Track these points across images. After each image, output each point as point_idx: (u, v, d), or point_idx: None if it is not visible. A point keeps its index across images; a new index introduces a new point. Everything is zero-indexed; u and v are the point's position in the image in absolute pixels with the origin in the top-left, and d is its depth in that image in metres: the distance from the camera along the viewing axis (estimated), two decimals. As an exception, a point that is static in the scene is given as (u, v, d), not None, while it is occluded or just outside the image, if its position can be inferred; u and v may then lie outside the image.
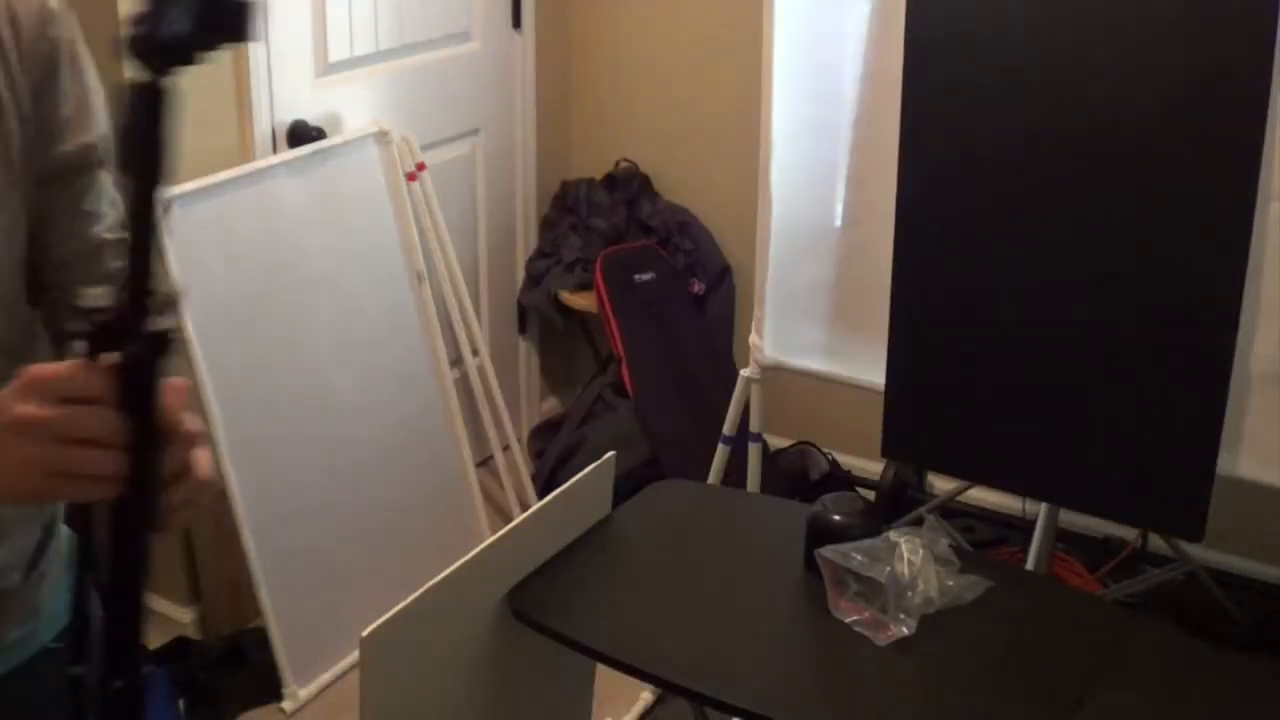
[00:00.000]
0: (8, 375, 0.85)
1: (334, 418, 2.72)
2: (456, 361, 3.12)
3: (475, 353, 3.16)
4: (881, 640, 1.61)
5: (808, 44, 2.52)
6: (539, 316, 3.58)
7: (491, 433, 3.22)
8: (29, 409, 0.80)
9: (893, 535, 1.70)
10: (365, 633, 1.49)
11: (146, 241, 0.79)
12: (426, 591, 1.55)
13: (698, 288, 3.42)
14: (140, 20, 0.73)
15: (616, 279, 3.32)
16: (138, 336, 0.80)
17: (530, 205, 3.55)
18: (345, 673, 2.66)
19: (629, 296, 3.31)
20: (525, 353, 3.66)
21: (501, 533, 1.71)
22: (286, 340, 2.64)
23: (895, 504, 3.06)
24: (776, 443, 3.31)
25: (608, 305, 3.28)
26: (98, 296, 0.83)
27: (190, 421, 0.86)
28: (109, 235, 1.10)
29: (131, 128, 0.77)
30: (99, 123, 1.07)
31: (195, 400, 2.42)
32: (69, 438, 0.80)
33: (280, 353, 2.63)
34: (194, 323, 2.40)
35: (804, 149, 2.58)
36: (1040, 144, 2.18)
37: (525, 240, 3.56)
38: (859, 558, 1.67)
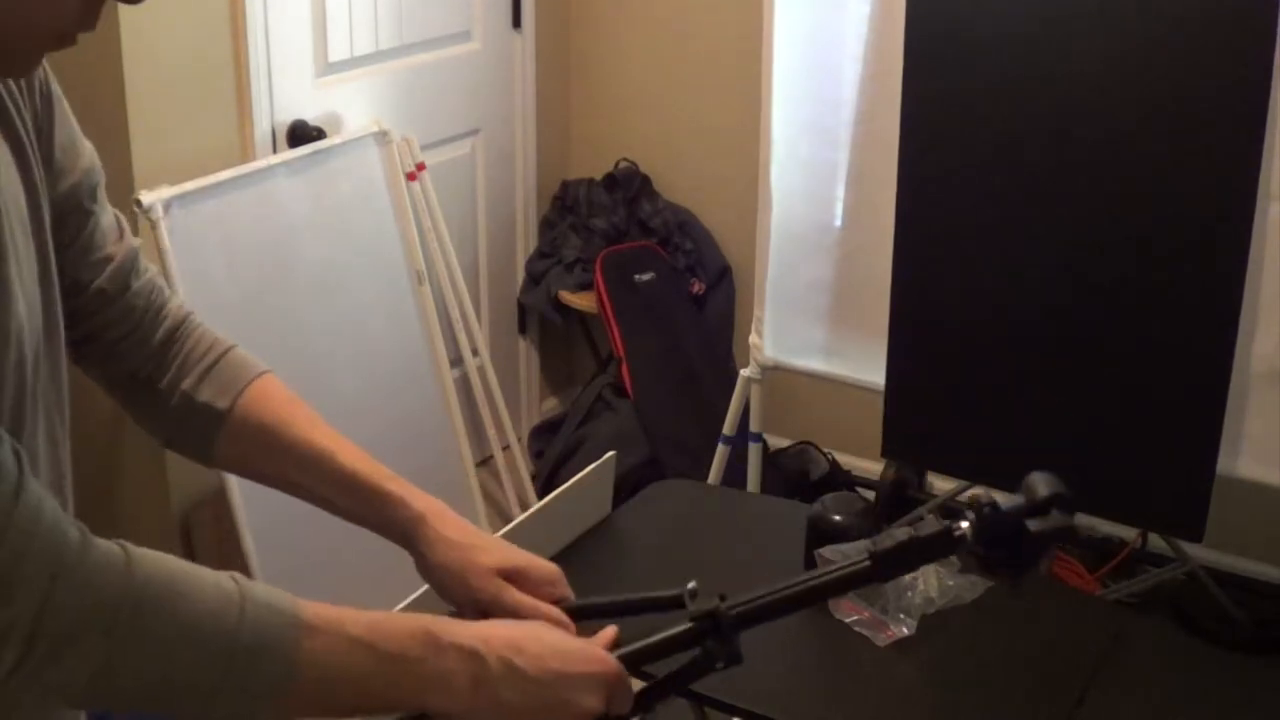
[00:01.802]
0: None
1: (334, 417, 2.70)
2: (456, 361, 3.12)
3: (475, 353, 3.16)
4: (881, 640, 1.61)
5: (808, 44, 2.53)
6: (539, 316, 3.58)
7: (491, 433, 3.22)
8: (599, 704, 0.93)
9: (893, 535, 1.70)
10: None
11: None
12: (426, 591, 1.54)
13: (698, 288, 3.42)
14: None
15: (616, 279, 3.32)
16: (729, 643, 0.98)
17: (530, 205, 3.55)
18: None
19: (629, 296, 3.31)
20: (525, 353, 3.66)
21: (501, 533, 1.71)
22: (286, 340, 2.64)
23: (895, 504, 3.06)
24: (776, 443, 3.31)
25: (608, 305, 3.29)
26: None
27: None
28: (131, 244, 1.08)
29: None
30: (87, 147, 1.03)
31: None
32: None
33: (280, 353, 2.63)
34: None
35: (804, 149, 2.59)
36: (1040, 144, 2.18)
37: (525, 240, 3.56)
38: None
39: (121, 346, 1.08)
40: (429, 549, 1.10)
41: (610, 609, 1.14)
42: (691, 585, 1.02)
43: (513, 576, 1.11)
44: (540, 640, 0.93)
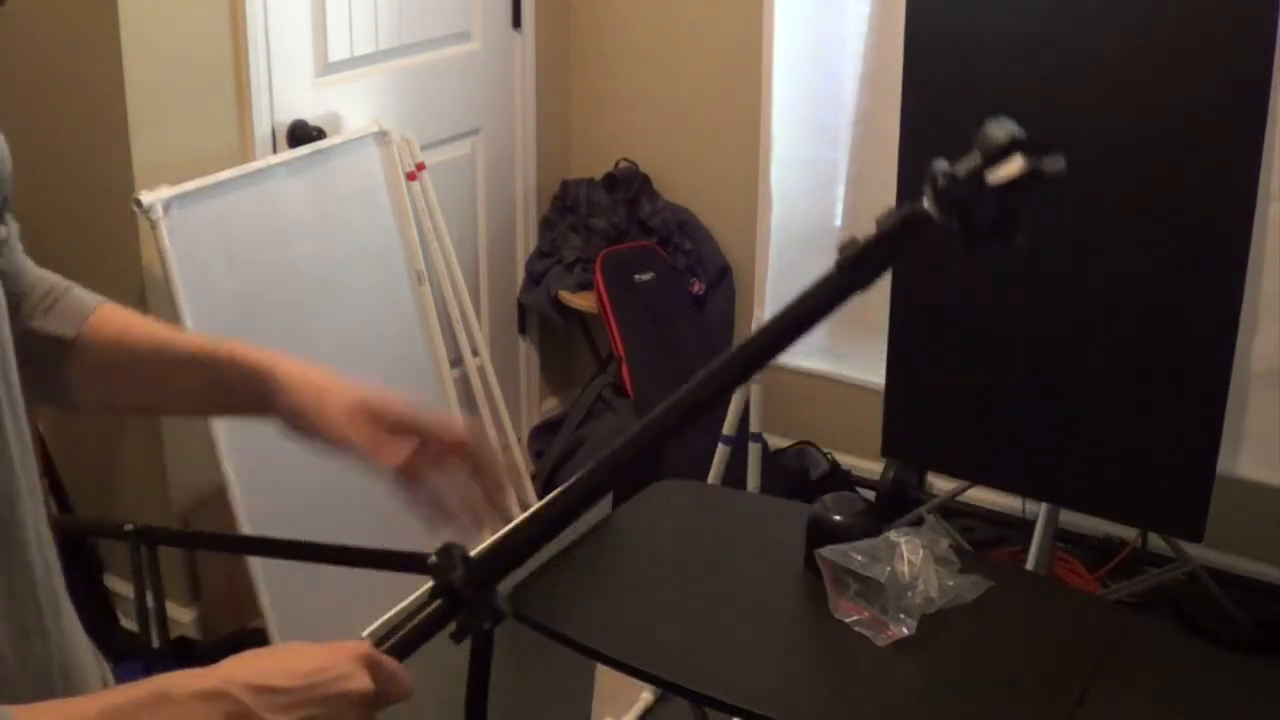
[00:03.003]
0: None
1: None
2: (456, 361, 3.11)
3: (475, 353, 3.15)
4: (881, 640, 1.61)
5: (808, 44, 2.53)
6: (539, 316, 3.58)
7: (491, 433, 3.22)
8: (368, 686, 0.89)
9: (893, 535, 1.71)
10: (365, 633, 1.49)
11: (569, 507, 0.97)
12: (426, 592, 1.54)
13: (698, 288, 3.42)
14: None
15: (616, 279, 3.32)
16: (482, 607, 0.93)
17: (530, 205, 3.55)
18: (345, 673, 2.65)
19: (629, 296, 3.31)
20: (525, 353, 3.65)
21: (501, 533, 1.71)
22: (286, 340, 2.64)
23: (895, 504, 3.06)
24: (776, 443, 3.31)
25: (608, 305, 3.28)
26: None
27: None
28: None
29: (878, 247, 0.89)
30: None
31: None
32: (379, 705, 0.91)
33: (280, 352, 2.63)
34: (194, 323, 2.40)
35: (804, 149, 2.59)
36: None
37: (525, 240, 3.56)
38: (859, 558, 1.67)
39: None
40: (282, 397, 1.06)
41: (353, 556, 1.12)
42: (433, 558, 0.94)
43: (367, 413, 1.06)
44: (284, 652, 0.90)
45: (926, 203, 0.88)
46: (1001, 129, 0.86)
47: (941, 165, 0.88)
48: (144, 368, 1.10)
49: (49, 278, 1.13)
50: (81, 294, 1.13)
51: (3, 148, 1.02)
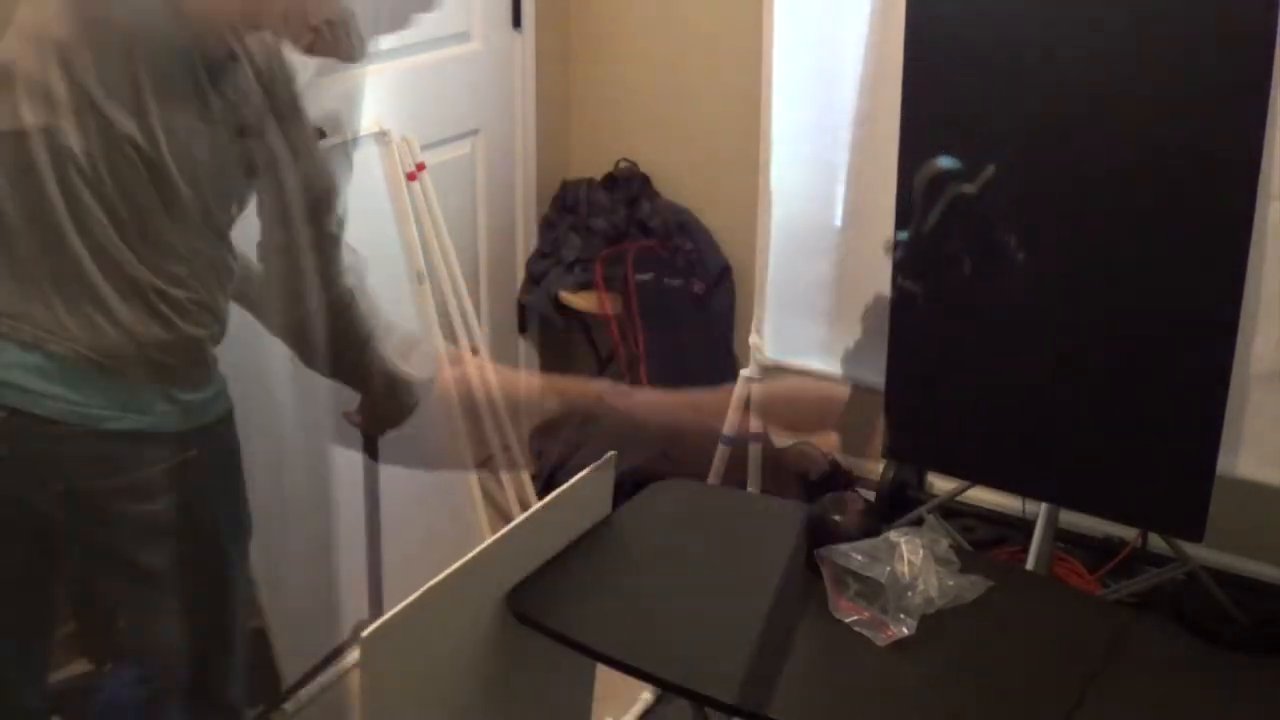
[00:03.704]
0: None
1: (334, 417, 2.71)
2: (456, 361, 3.12)
3: (475, 353, 3.15)
4: (881, 640, 1.61)
5: (808, 44, 2.53)
6: (539, 316, 3.58)
7: (491, 432, 3.22)
8: None
9: (893, 535, 1.71)
10: (365, 633, 1.49)
11: None
12: (426, 591, 1.55)
13: (698, 288, 3.42)
14: None
15: (617, 279, 3.32)
16: None
17: (530, 205, 3.55)
18: (345, 673, 2.66)
19: (629, 297, 3.31)
20: (525, 353, 3.65)
21: (501, 533, 1.71)
22: (286, 340, 2.63)
23: (895, 504, 3.06)
24: (777, 443, 3.31)
25: (607, 305, 3.29)
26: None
27: None
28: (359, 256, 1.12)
29: None
30: (317, 155, 1.07)
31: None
32: None
33: (280, 352, 2.62)
34: (194, 323, 2.40)
35: (804, 149, 2.59)
36: (1040, 144, 2.18)
37: (525, 240, 3.56)
38: (859, 558, 1.67)
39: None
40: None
41: None
42: None
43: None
44: None
45: (906, 283, 0.84)
46: (921, 174, 0.82)
47: (898, 235, 0.85)
48: (487, 411, 1.12)
49: (393, 322, 1.15)
50: (428, 346, 1.16)
51: (324, 164, 1.04)
